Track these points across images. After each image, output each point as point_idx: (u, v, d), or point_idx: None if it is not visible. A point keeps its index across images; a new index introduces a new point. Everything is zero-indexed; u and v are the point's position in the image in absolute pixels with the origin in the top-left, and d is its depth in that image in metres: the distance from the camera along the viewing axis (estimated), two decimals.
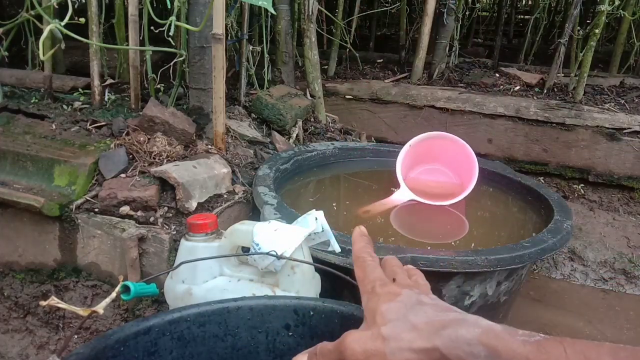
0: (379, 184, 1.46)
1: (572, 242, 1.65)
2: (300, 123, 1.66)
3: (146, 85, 1.42)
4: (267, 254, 0.66)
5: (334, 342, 0.41)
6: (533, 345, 0.33)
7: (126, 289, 0.62)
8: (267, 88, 1.74)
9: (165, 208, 1.05)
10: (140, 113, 1.22)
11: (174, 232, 1.01)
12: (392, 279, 0.46)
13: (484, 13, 4.06)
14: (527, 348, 0.33)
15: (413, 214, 1.27)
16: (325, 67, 2.30)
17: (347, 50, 2.28)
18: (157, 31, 1.21)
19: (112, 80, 1.60)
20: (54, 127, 1.23)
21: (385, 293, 0.42)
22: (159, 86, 1.39)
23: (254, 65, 1.70)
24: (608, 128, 1.77)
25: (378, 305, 0.40)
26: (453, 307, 0.40)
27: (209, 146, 1.25)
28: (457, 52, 2.40)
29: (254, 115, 1.61)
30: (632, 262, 1.59)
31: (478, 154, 1.90)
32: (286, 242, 0.67)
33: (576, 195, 1.86)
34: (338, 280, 0.63)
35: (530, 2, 4.52)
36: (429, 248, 1.09)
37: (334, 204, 1.32)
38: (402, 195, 1.30)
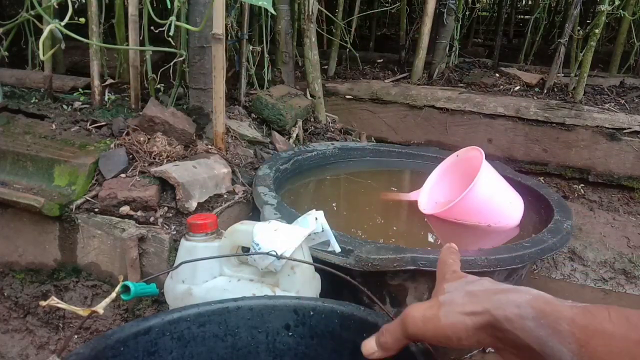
0: (379, 183, 1.46)
1: (572, 242, 1.64)
2: (300, 123, 1.66)
3: (146, 85, 1.42)
4: (267, 254, 0.66)
5: (396, 319, 0.45)
6: (579, 309, 0.35)
7: (126, 289, 0.62)
8: (267, 88, 1.74)
9: (165, 208, 1.05)
10: (140, 113, 1.22)
11: (174, 232, 1.01)
12: None
13: (484, 13, 4.06)
14: (574, 311, 0.35)
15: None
16: (325, 67, 2.30)
17: (347, 50, 2.28)
18: (157, 31, 1.21)
19: (112, 80, 1.60)
20: (54, 127, 1.23)
21: (452, 277, 0.45)
22: (159, 86, 1.39)
23: (254, 65, 1.70)
24: (608, 128, 1.77)
25: (443, 284, 0.44)
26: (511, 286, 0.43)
27: (209, 146, 1.25)
28: (457, 52, 2.40)
29: (254, 115, 1.61)
30: (632, 262, 1.59)
31: None
32: (286, 242, 0.67)
33: (576, 195, 1.86)
34: (338, 280, 0.63)
35: (530, 2, 4.52)
36: (428, 248, 1.09)
37: (334, 204, 1.32)
38: (415, 195, 1.32)
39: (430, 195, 1.33)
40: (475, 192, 1.16)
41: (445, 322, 0.39)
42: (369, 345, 0.47)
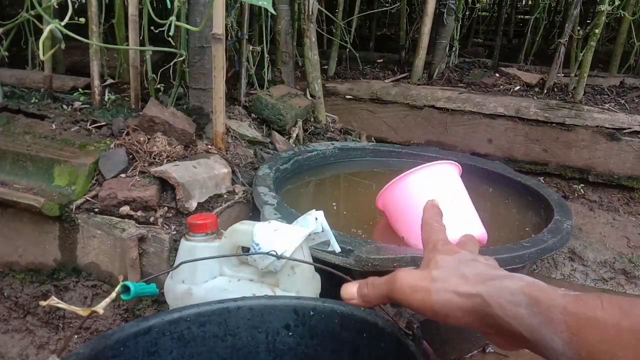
0: (379, 184, 1.46)
1: (572, 242, 1.64)
2: (300, 123, 1.66)
3: (146, 85, 1.42)
4: (267, 254, 0.66)
5: (385, 276, 0.45)
6: (572, 297, 0.35)
7: (126, 289, 0.62)
8: (267, 88, 1.74)
9: (165, 208, 1.05)
10: (140, 113, 1.22)
11: (174, 232, 1.01)
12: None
13: (484, 13, 4.06)
14: (567, 299, 0.34)
15: None
16: (325, 67, 2.30)
17: (347, 50, 2.28)
18: (157, 31, 1.21)
19: (112, 80, 1.60)
20: (54, 127, 1.23)
21: (444, 249, 0.45)
22: (159, 86, 1.39)
23: (254, 65, 1.70)
24: (608, 128, 1.77)
25: (435, 256, 0.44)
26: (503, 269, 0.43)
27: (209, 146, 1.25)
28: (457, 52, 2.40)
29: (254, 115, 1.61)
30: (632, 262, 1.59)
31: (478, 154, 1.90)
32: (286, 242, 0.67)
33: (576, 195, 1.86)
34: (338, 280, 0.63)
35: (530, 2, 4.52)
36: None
37: (334, 204, 1.32)
38: None
39: None
40: (388, 195, 1.05)
41: (435, 298, 0.40)
42: (350, 291, 0.48)
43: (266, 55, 1.74)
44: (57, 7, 1.28)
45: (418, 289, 0.41)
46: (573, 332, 0.33)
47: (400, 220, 1.07)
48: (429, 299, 0.40)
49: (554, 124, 1.83)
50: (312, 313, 0.59)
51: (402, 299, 0.42)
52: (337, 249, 0.75)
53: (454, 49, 2.36)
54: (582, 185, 1.86)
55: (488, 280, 0.39)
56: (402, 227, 1.06)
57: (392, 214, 1.10)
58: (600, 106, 1.88)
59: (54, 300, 0.54)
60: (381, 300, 0.45)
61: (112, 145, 1.15)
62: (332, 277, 0.65)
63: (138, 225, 1.02)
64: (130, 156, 1.13)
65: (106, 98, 1.42)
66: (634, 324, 0.31)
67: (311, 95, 1.81)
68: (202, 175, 1.10)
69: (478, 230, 1.04)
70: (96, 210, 1.05)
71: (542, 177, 1.91)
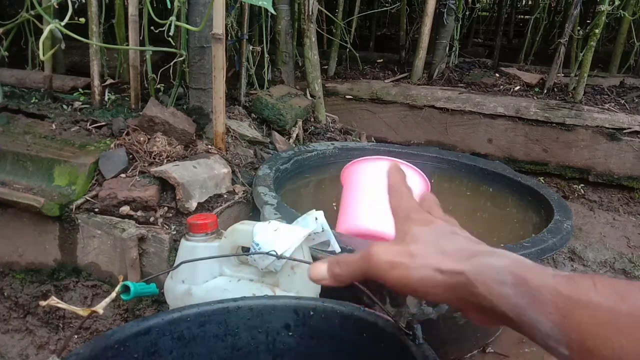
0: None
1: (572, 242, 1.64)
2: (300, 123, 1.66)
3: (146, 85, 1.42)
4: (267, 253, 0.66)
5: (358, 253, 0.41)
6: (562, 278, 0.32)
7: (126, 289, 0.62)
8: (267, 88, 1.74)
9: (165, 208, 1.05)
10: (140, 113, 1.22)
11: (174, 232, 1.01)
12: (428, 212, 0.45)
13: (484, 13, 4.06)
14: (557, 279, 0.32)
15: None
16: (325, 67, 2.30)
17: (347, 50, 2.28)
18: (157, 31, 1.21)
19: (112, 80, 1.59)
20: (54, 127, 1.23)
21: (419, 219, 0.41)
22: (159, 86, 1.39)
23: (254, 65, 1.70)
24: (608, 128, 1.77)
25: (410, 227, 0.40)
26: (484, 243, 0.40)
27: (209, 146, 1.25)
28: (457, 52, 2.40)
29: (254, 115, 1.61)
30: (632, 262, 1.59)
31: (478, 154, 1.91)
32: (286, 242, 0.67)
33: (576, 195, 1.86)
34: None
35: (530, 2, 4.52)
36: None
37: (334, 204, 1.32)
38: None
39: None
40: (347, 171, 1.12)
41: (415, 274, 0.37)
42: (320, 271, 0.43)
43: (266, 55, 1.74)
44: (57, 7, 1.28)
45: (396, 265, 0.38)
46: (563, 314, 0.31)
47: (342, 200, 1.10)
48: (408, 275, 0.37)
49: (554, 124, 1.83)
50: (312, 313, 0.59)
51: (379, 276, 0.39)
52: (337, 249, 0.75)
53: (454, 49, 2.36)
54: (582, 185, 1.86)
55: (471, 256, 0.36)
56: (341, 207, 1.10)
57: (343, 191, 1.13)
58: (600, 106, 1.88)
59: (54, 300, 0.54)
60: (355, 278, 0.42)
61: (112, 145, 1.15)
62: None
63: (138, 225, 1.02)
64: (130, 156, 1.13)
65: (106, 98, 1.42)
66: (630, 308, 0.29)
67: (311, 95, 1.81)
68: (202, 175, 1.10)
69: None
70: (96, 210, 1.05)
71: (542, 177, 1.91)
